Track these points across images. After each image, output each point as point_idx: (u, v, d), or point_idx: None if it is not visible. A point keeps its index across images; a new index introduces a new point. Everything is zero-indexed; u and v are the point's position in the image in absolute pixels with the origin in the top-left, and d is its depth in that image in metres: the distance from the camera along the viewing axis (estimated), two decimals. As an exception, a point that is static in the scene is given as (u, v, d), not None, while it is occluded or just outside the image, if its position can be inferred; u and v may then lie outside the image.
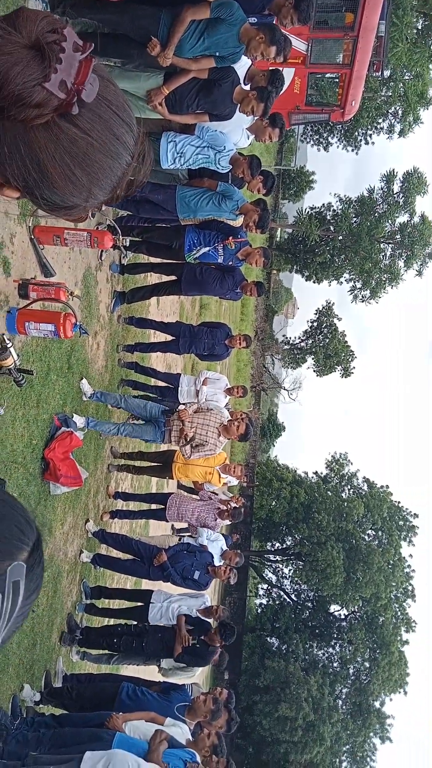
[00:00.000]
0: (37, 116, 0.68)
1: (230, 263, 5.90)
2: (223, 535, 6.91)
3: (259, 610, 36.78)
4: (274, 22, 4.29)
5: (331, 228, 26.33)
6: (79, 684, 4.98)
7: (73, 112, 0.69)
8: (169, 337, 6.79)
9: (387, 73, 19.19)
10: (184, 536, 6.58)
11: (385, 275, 25.35)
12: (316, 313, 32.05)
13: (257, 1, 4.32)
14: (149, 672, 6.86)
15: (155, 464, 6.88)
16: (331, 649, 33.33)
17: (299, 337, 34.03)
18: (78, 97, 0.69)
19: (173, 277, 6.18)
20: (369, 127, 25.31)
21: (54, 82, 0.67)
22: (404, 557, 30.99)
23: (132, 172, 0.79)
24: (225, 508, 6.71)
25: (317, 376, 32.60)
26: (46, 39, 0.69)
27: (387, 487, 32.59)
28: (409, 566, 31.06)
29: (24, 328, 3.83)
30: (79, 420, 5.28)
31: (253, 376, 31.39)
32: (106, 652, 5.57)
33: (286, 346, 35.14)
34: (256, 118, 4.61)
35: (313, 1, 4.32)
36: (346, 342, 30.99)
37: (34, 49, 0.68)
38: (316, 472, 34.86)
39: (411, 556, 31.58)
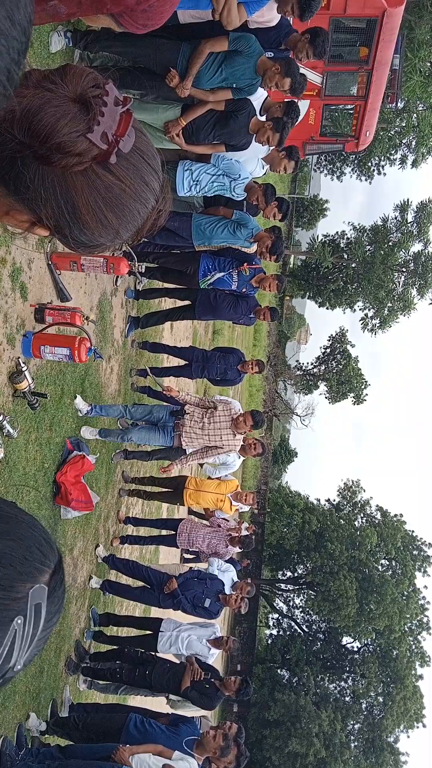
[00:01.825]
0: (77, 163, 0.74)
1: (243, 290, 5.93)
2: (233, 560, 6.82)
3: (269, 641, 36.08)
4: (290, 56, 4.38)
5: (345, 256, 26.49)
6: (85, 714, 4.89)
7: (111, 161, 0.75)
8: (183, 362, 6.81)
9: (401, 105, 19.47)
10: (193, 566, 6.49)
11: (398, 303, 25.36)
12: (329, 340, 32.07)
13: (273, 36, 4.42)
14: (157, 703, 6.72)
15: (166, 490, 6.85)
16: (343, 683, 32.53)
17: (312, 363, 34.00)
18: (117, 148, 0.75)
19: (187, 302, 6.22)
20: (382, 157, 25.61)
21: (97, 133, 0.73)
22: (419, 588, 30.37)
23: (154, 215, 0.85)
24: (236, 534, 6.63)
25: (330, 402, 32.47)
26: (90, 93, 0.74)
27: (401, 515, 32.12)
28: (423, 598, 30.41)
29: (39, 352, 3.86)
30: (88, 432, 5.20)
31: (265, 401, 31.32)
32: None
33: (298, 372, 35.12)
34: (271, 148, 4.68)
35: (328, 36, 4.40)
36: (359, 369, 30.91)
37: (80, 102, 0.74)
38: (329, 499, 34.48)
39: (426, 587, 30.98)
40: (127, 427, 6.04)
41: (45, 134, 0.71)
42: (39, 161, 0.74)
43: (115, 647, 5.54)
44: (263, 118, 4.54)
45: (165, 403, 6.93)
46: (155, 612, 6.85)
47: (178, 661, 5.29)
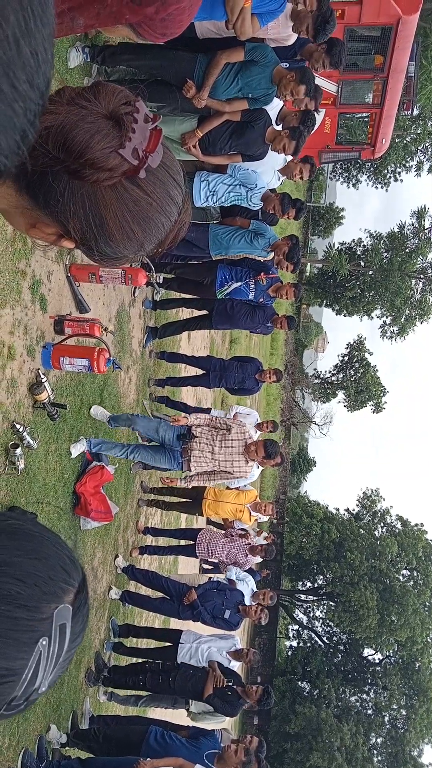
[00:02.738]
0: (107, 178, 0.76)
1: (261, 300, 5.92)
2: (252, 570, 6.77)
3: (289, 653, 35.71)
4: (306, 66, 4.39)
5: (362, 263, 26.40)
6: (106, 726, 4.87)
7: (140, 176, 0.77)
8: (200, 371, 6.81)
9: (416, 112, 19.43)
10: (212, 577, 6.45)
11: (416, 310, 25.18)
12: (347, 348, 31.92)
13: (290, 47, 4.43)
14: (177, 716, 6.67)
15: (185, 500, 6.83)
16: (364, 695, 32.04)
17: (330, 371, 33.84)
18: (146, 163, 0.77)
19: (205, 312, 6.23)
20: (398, 164, 25.54)
21: (128, 149, 0.75)
22: (441, 599, 29.86)
23: (177, 228, 0.87)
24: (254, 545, 6.58)
25: (348, 411, 32.25)
26: (122, 110, 0.77)
27: (422, 525, 31.67)
28: (446, 608, 29.88)
29: (59, 363, 3.89)
30: (78, 447, 4.64)
31: (283, 410, 31.21)
32: (133, 692, 5.44)
33: (316, 380, 34.97)
34: (288, 159, 4.68)
35: (344, 46, 4.41)
36: (377, 377, 30.68)
37: (112, 119, 0.76)
38: (348, 508, 34.16)
39: (448, 598, 30.42)
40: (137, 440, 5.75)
41: (79, 150, 0.73)
42: (70, 176, 0.75)
43: (134, 662, 5.52)
44: (279, 128, 4.55)
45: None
46: (175, 623, 6.81)
47: (199, 666, 5.24)
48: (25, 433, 3.61)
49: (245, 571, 6.68)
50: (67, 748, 4.38)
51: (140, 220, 0.80)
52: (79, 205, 0.77)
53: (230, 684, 4.88)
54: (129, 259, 0.87)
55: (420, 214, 25.35)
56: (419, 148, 24.22)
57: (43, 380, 3.75)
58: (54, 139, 0.74)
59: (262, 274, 5.77)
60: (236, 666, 5.44)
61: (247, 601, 5.80)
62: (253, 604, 5.73)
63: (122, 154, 0.74)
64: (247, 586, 6.11)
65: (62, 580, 0.63)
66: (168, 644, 5.53)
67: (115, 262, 0.86)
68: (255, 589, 6.27)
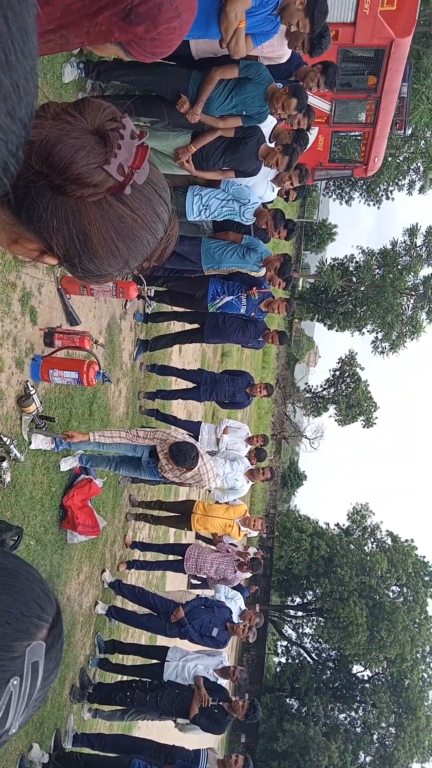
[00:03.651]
0: (92, 194, 0.74)
1: (252, 315, 5.93)
2: (240, 586, 6.71)
3: (277, 669, 35.39)
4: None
5: (354, 279, 26.59)
6: (90, 744, 4.78)
7: (126, 192, 0.76)
8: (191, 385, 6.80)
9: (409, 132, 19.70)
10: (200, 593, 6.39)
11: (407, 327, 25.36)
12: (338, 362, 32.03)
13: (284, 68, 4.49)
14: (164, 729, 6.57)
15: (174, 514, 6.78)
16: (353, 713, 31.75)
17: (321, 386, 33.93)
18: (132, 179, 0.76)
19: (196, 326, 6.23)
20: (390, 183, 25.85)
21: (113, 165, 0.74)
22: (430, 615, 29.74)
23: (163, 245, 0.85)
24: (243, 560, 6.54)
25: (339, 425, 32.29)
26: (108, 126, 0.76)
27: (412, 540, 31.64)
28: (436, 625, 29.75)
29: (48, 376, 3.87)
30: (69, 461, 4.61)
31: (274, 424, 31.21)
32: (119, 708, 5.35)
33: (307, 395, 35.04)
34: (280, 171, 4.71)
35: (338, 67, 4.46)
36: (368, 392, 30.79)
37: (98, 135, 0.75)
38: (338, 523, 34.08)
39: (438, 614, 30.31)
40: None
41: (63, 165, 0.72)
42: (54, 191, 0.74)
43: (119, 679, 5.43)
44: (272, 145, 4.58)
45: (173, 427, 6.91)
46: (162, 640, 6.74)
47: (185, 684, 5.17)
48: (12, 446, 3.57)
49: (234, 587, 6.62)
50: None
51: (125, 237, 0.78)
52: (63, 221, 0.76)
53: (216, 702, 4.81)
54: (114, 276, 0.85)
55: (412, 231, 25.62)
56: (411, 167, 24.53)
57: (32, 393, 3.73)
58: (37, 154, 0.73)
59: (254, 288, 5.78)
60: (223, 684, 5.37)
61: (235, 619, 5.74)
62: (241, 623, 5.67)
63: (107, 170, 0.73)
64: (236, 605, 6.05)
65: (35, 615, 0.60)
66: (154, 661, 5.45)
67: (99, 279, 0.85)
68: (243, 608, 6.21)
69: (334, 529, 33.33)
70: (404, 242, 25.82)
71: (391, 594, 29.44)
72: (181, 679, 5.10)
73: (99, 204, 0.75)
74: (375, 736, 30.26)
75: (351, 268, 27.11)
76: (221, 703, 4.84)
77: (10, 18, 0.46)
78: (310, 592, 32.23)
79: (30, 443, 3.89)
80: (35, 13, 0.50)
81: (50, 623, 0.62)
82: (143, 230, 0.80)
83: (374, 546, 31.76)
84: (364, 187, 27.72)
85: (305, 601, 33.36)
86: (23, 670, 0.58)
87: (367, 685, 31.02)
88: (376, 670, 30.04)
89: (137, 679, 5.34)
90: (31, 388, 3.73)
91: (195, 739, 6.24)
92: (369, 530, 32.81)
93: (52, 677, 0.64)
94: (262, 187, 5.16)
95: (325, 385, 33.33)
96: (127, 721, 5.51)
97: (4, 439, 3.51)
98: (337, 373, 32.01)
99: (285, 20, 3.81)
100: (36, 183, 0.73)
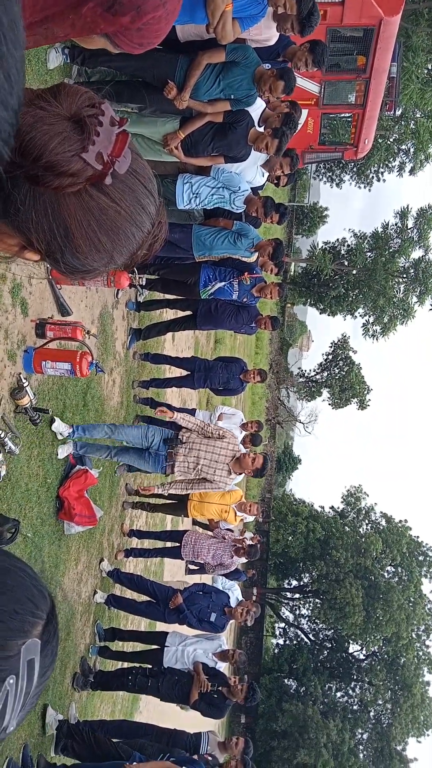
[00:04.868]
0: (70, 184, 0.71)
1: (244, 300, 5.92)
2: (238, 570, 6.77)
3: (276, 651, 35.85)
4: (288, 66, 4.39)
5: (345, 262, 26.52)
6: (92, 731, 4.84)
7: (106, 182, 0.72)
8: (185, 372, 6.79)
9: (399, 113, 19.55)
10: (198, 579, 6.43)
11: (398, 311, 25.37)
12: (331, 346, 32.07)
13: (273, 48, 4.43)
14: (165, 714, 6.65)
15: (170, 501, 6.81)
16: (350, 691, 32.28)
17: (314, 370, 33.99)
18: (112, 169, 0.72)
19: (189, 313, 6.21)
20: (381, 164, 25.70)
21: (91, 153, 0.70)
22: (425, 594, 30.17)
23: (150, 239, 0.81)
24: (241, 546, 6.58)
25: (333, 408, 32.41)
26: (85, 113, 0.72)
27: (406, 521, 31.97)
28: (431, 602, 30.18)
29: (41, 367, 3.85)
30: (65, 448, 4.57)
31: (268, 409, 31.28)
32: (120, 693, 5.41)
33: (301, 379, 35.09)
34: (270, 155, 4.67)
35: (327, 47, 4.41)
36: (361, 375, 30.88)
37: (74, 121, 0.71)
38: (333, 506, 34.36)
39: (432, 593, 30.77)
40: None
41: (37, 153, 0.69)
42: (30, 182, 0.71)
43: (120, 666, 5.49)
44: (262, 129, 4.54)
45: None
46: (160, 625, 6.80)
47: (185, 672, 5.23)
48: (6, 439, 3.56)
49: (231, 572, 6.67)
50: (53, 755, 4.35)
51: (108, 230, 0.75)
52: (42, 214, 0.72)
53: (215, 687, 4.87)
54: (99, 271, 0.82)
55: (403, 213, 25.52)
56: (401, 148, 24.39)
57: (25, 385, 3.71)
58: None
59: (246, 273, 5.76)
60: (222, 667, 5.43)
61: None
62: (239, 607, 5.72)
63: (85, 158, 0.70)
64: (233, 595, 6.11)
65: (29, 612, 0.60)
66: (154, 647, 5.51)
67: (84, 275, 0.81)
68: (240, 598, 6.27)
69: (329, 512, 33.62)
70: (396, 225, 25.74)
71: (386, 574, 29.82)
72: (180, 664, 5.16)
73: (79, 195, 0.72)
74: (372, 714, 30.81)
75: (343, 252, 27.04)
76: (220, 688, 4.89)
77: (1, 10, 0.45)
78: (307, 575, 32.59)
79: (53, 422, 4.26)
80: (21, 2, 0.50)
81: (45, 620, 0.62)
82: (127, 223, 0.76)
83: (369, 527, 32.07)
84: (354, 169, 27.55)
85: (302, 583, 33.73)
86: (19, 668, 0.58)
87: (364, 663, 31.51)
88: (373, 649, 30.49)
89: (137, 665, 5.40)
90: (24, 381, 3.71)
91: (196, 723, 6.33)
92: (363, 512, 33.12)
93: (48, 673, 0.64)
94: (252, 172, 5.12)
95: (318, 369, 33.39)
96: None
97: (-1, 432, 3.50)
98: (330, 357, 32.06)
99: (272, 2, 3.76)
100: (11, 173, 0.69)
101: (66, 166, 0.69)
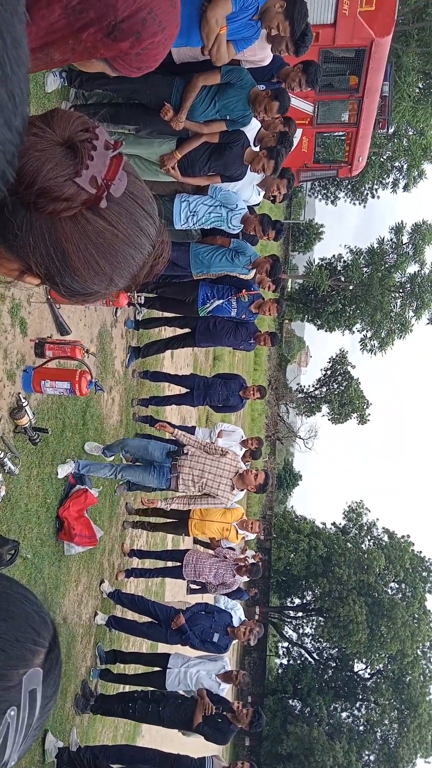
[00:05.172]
0: (65, 209, 0.71)
1: (243, 317, 5.94)
2: (240, 589, 6.69)
3: (279, 671, 35.37)
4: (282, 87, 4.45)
5: (342, 278, 26.69)
6: (94, 756, 4.74)
7: (101, 206, 0.72)
8: (184, 390, 6.79)
9: (391, 130, 19.81)
10: (199, 598, 6.35)
11: (395, 325, 25.48)
12: (329, 362, 32.12)
13: (267, 69, 4.49)
14: (167, 738, 6.54)
15: (171, 520, 6.76)
16: (356, 711, 31.78)
17: (313, 386, 34.00)
18: (107, 192, 0.72)
19: (187, 330, 6.23)
20: (375, 181, 26.00)
21: (85, 177, 0.70)
22: (430, 610, 29.85)
23: (151, 261, 0.81)
24: (243, 564, 6.52)
25: (332, 423, 32.37)
26: (79, 137, 0.72)
27: (408, 536, 31.75)
28: (435, 619, 29.86)
29: (40, 387, 3.84)
30: (65, 468, 4.62)
31: (267, 425, 31.22)
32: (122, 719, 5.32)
33: (300, 395, 35.09)
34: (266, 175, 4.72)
35: (320, 67, 4.48)
36: (360, 390, 30.89)
37: (67, 146, 0.72)
38: (334, 522, 34.13)
39: (436, 609, 30.41)
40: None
41: (30, 179, 0.69)
42: (26, 207, 0.71)
43: (121, 690, 5.40)
44: (257, 149, 4.59)
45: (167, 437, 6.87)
46: (163, 647, 6.71)
47: (188, 696, 5.15)
48: (6, 459, 3.54)
49: (233, 590, 6.60)
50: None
51: (106, 253, 0.75)
52: (39, 238, 0.73)
53: (220, 711, 4.79)
54: (100, 294, 0.81)
55: (398, 229, 25.77)
56: (395, 165, 24.69)
57: (24, 404, 3.70)
58: None
59: (244, 290, 5.79)
60: (226, 688, 5.35)
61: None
62: (241, 626, 5.65)
63: (78, 183, 0.70)
64: (235, 615, 6.03)
65: (31, 641, 0.58)
66: (156, 669, 5.42)
67: (86, 298, 0.81)
68: (243, 618, 6.20)
69: (331, 529, 33.39)
70: (391, 240, 25.96)
71: (389, 591, 29.53)
72: (183, 686, 5.08)
73: (75, 219, 0.72)
74: (378, 734, 30.30)
75: (339, 268, 27.23)
76: (225, 713, 4.81)
77: (4, 30, 0.46)
78: (309, 593, 32.26)
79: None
80: (25, 21, 0.50)
81: (47, 648, 0.60)
82: (125, 245, 0.76)
83: (371, 543, 31.84)
84: (349, 186, 27.85)
85: (305, 601, 33.38)
86: (20, 699, 0.56)
87: (369, 682, 31.07)
88: (378, 667, 30.09)
89: (139, 690, 5.31)
90: (23, 400, 3.70)
91: (199, 747, 6.22)
92: (365, 528, 32.90)
93: (51, 704, 0.62)
94: (248, 191, 5.17)
95: (317, 384, 33.41)
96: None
97: (-2, 452, 3.49)
98: (329, 372, 32.10)
99: (265, 24, 3.82)
100: (8, 199, 0.70)
101: (59, 191, 0.70)
